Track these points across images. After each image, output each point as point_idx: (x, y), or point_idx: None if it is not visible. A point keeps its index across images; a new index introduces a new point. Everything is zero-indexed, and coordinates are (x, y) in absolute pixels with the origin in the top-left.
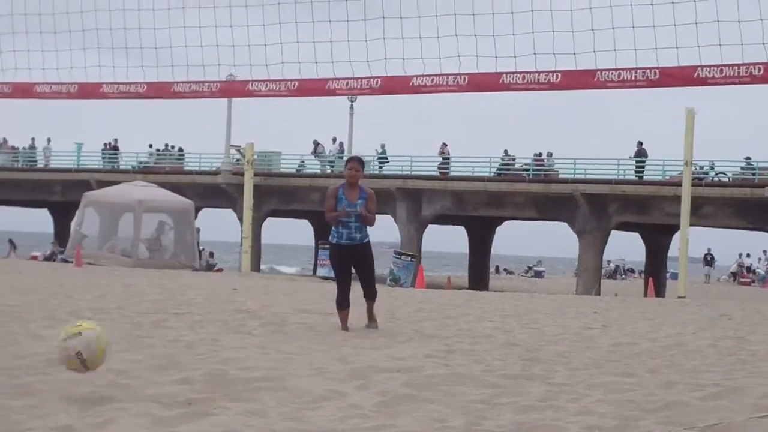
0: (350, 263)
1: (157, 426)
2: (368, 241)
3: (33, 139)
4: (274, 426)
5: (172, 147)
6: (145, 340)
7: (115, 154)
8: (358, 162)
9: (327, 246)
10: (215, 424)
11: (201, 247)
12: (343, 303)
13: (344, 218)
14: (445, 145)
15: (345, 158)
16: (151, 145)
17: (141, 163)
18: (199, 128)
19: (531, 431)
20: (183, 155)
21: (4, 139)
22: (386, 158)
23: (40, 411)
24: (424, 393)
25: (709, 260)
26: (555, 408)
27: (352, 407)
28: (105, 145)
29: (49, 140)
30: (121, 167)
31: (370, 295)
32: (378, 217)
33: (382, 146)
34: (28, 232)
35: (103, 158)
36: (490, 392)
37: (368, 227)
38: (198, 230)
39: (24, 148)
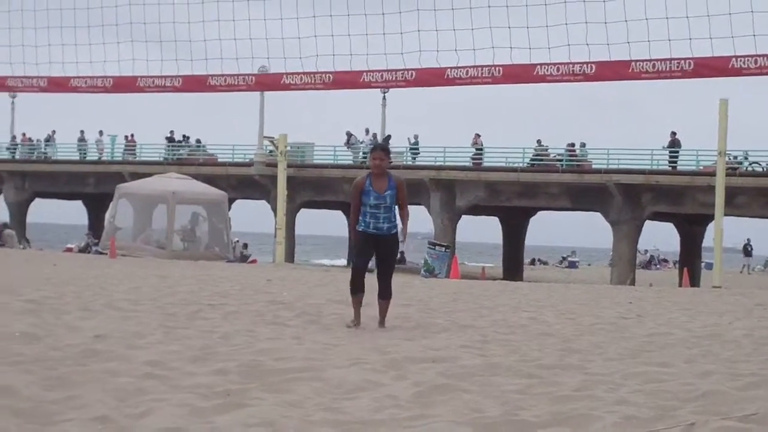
0: (372, 251)
1: (194, 416)
2: (396, 233)
3: (82, 131)
4: (310, 416)
5: (187, 138)
6: (181, 332)
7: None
8: (382, 151)
9: None
10: (252, 415)
11: (235, 239)
12: (356, 284)
13: (372, 208)
14: (478, 135)
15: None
16: (168, 137)
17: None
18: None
19: (567, 421)
20: (200, 146)
21: (53, 131)
22: (418, 149)
23: (77, 402)
24: (460, 383)
25: (749, 250)
26: (591, 398)
27: (388, 397)
28: (125, 138)
29: (101, 132)
30: (153, 159)
31: (384, 293)
32: (411, 207)
33: (415, 137)
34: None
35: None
36: (526, 382)
37: (395, 218)
38: (228, 220)
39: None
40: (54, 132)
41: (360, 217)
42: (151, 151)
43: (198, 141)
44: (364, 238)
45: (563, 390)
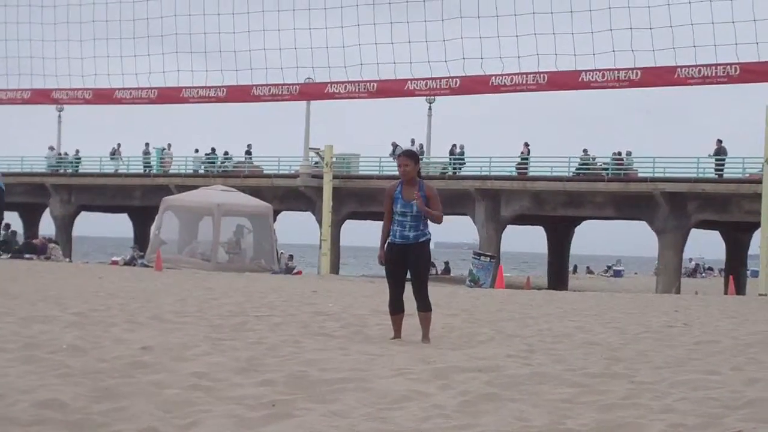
0: (402, 264)
1: (241, 427)
2: (424, 241)
3: (147, 144)
4: (357, 426)
5: (213, 151)
6: (227, 343)
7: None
8: (407, 156)
9: None
10: (299, 425)
11: (281, 251)
12: (394, 307)
13: (399, 216)
14: (526, 144)
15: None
16: (197, 150)
17: (221, 166)
18: (273, 132)
19: (614, 429)
20: (229, 158)
21: (118, 144)
22: (463, 159)
23: (124, 414)
24: (507, 392)
25: None
26: (638, 406)
27: (434, 407)
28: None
29: (169, 146)
30: (200, 171)
31: (420, 305)
32: (456, 218)
33: (461, 147)
34: (108, 237)
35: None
36: (572, 391)
37: (425, 227)
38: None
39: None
40: (119, 145)
41: (391, 227)
42: (193, 164)
43: (248, 152)
44: (390, 253)
45: (610, 398)
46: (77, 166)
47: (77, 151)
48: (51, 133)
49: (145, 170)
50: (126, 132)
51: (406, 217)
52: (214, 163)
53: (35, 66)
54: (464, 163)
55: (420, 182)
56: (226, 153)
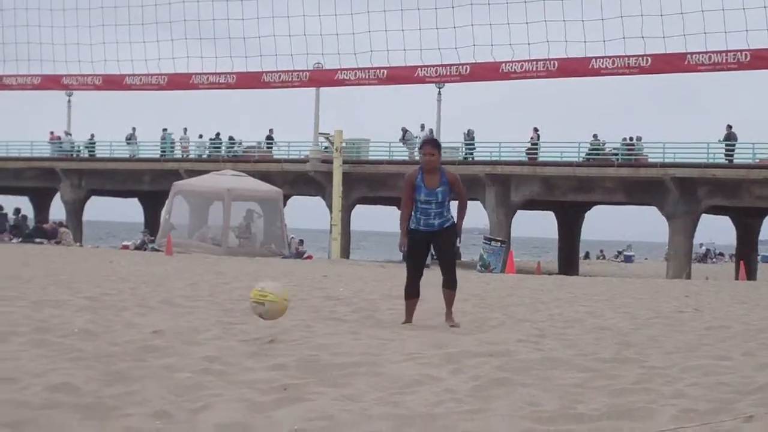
0: (424, 251)
1: (252, 411)
2: (449, 226)
3: (165, 129)
4: (369, 410)
5: (218, 135)
6: (238, 327)
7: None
8: (432, 145)
9: None
10: (311, 409)
11: (291, 236)
12: (410, 291)
13: (423, 204)
14: (536, 130)
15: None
16: (201, 136)
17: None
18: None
19: (625, 414)
20: (234, 143)
21: (133, 129)
22: (473, 144)
23: (136, 397)
24: (518, 377)
25: None
26: (649, 391)
27: (446, 391)
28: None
29: (185, 130)
30: (209, 156)
31: (447, 283)
32: (467, 203)
33: (470, 132)
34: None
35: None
36: (583, 376)
37: (449, 212)
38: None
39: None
40: (135, 129)
41: (413, 213)
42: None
43: (269, 137)
44: (414, 239)
45: (621, 383)
46: (93, 151)
47: (92, 136)
48: (61, 118)
49: (163, 155)
50: (137, 118)
51: (430, 205)
52: (219, 148)
53: (45, 52)
54: (474, 149)
55: (441, 169)
56: (231, 138)
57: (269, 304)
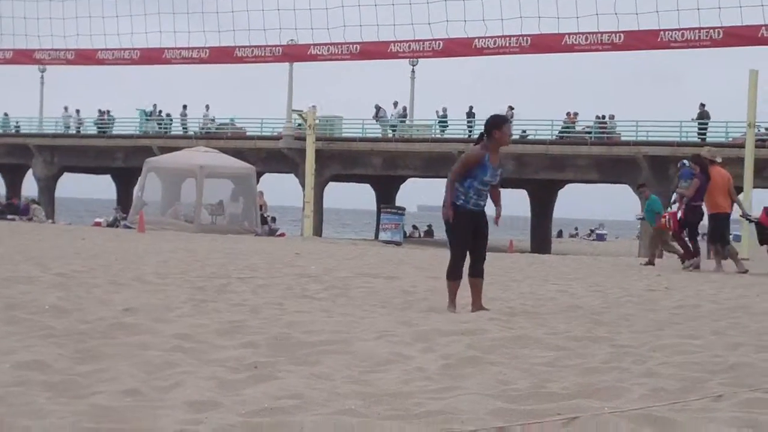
0: (472, 231)
1: (223, 389)
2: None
3: (155, 105)
4: (339, 389)
5: (160, 112)
6: (210, 305)
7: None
8: (510, 125)
9: (389, 210)
10: (281, 387)
11: (266, 213)
12: (457, 273)
13: (481, 184)
14: (511, 108)
15: (488, 121)
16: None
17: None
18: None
19: (595, 393)
20: (171, 120)
21: (107, 110)
22: (446, 122)
23: (106, 375)
24: (489, 356)
25: None
26: (619, 370)
27: (417, 370)
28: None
29: (185, 107)
30: (182, 133)
31: (479, 272)
32: (439, 180)
33: (444, 110)
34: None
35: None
36: (554, 354)
37: None
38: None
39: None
40: (155, 106)
41: (459, 189)
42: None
43: (168, 115)
44: (466, 217)
45: (591, 362)
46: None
47: (78, 111)
48: (34, 92)
49: (159, 132)
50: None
51: (486, 186)
52: (211, 123)
53: (17, 26)
54: (447, 126)
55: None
56: (207, 107)
57: None
